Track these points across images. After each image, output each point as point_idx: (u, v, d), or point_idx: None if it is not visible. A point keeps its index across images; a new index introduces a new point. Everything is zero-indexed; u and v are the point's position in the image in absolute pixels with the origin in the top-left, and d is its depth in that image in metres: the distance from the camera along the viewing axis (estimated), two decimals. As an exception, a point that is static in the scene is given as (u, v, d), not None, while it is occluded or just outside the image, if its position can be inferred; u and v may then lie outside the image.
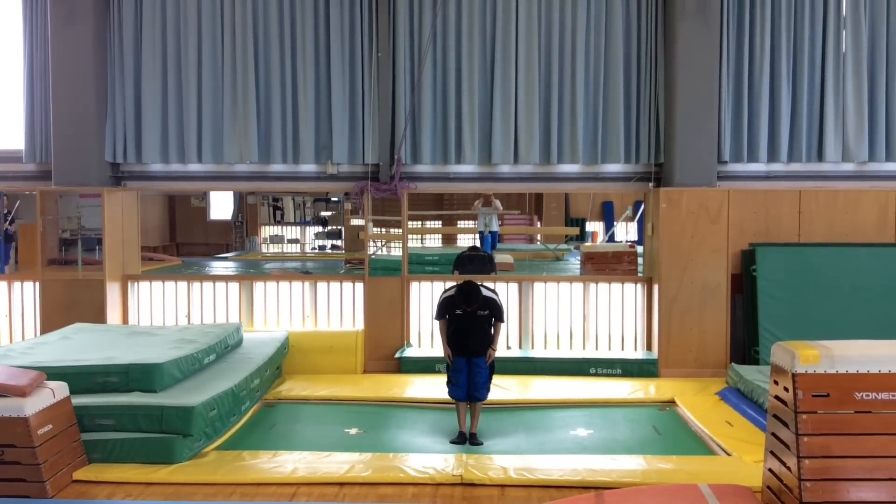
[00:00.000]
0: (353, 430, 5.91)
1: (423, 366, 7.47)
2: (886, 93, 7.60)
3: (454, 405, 5.83)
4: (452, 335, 5.77)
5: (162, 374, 5.37)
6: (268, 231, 17.84)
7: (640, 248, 8.78)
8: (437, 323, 5.94)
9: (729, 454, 5.29)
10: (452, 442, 5.64)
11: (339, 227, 16.48)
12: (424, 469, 4.86)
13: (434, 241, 16.20)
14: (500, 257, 11.16)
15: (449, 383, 5.82)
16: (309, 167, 7.97)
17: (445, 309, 5.82)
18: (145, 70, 7.84)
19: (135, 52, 7.88)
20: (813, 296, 7.21)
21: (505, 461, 5.04)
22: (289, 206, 17.92)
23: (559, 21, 7.68)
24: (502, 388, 6.82)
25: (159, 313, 8.18)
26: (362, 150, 7.82)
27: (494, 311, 5.81)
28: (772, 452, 4.05)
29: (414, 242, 15.18)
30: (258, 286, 8.23)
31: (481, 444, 5.61)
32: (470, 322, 5.71)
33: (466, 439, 5.66)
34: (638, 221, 13.96)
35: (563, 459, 5.13)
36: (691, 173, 7.48)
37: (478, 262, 9.35)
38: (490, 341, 5.78)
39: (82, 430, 4.97)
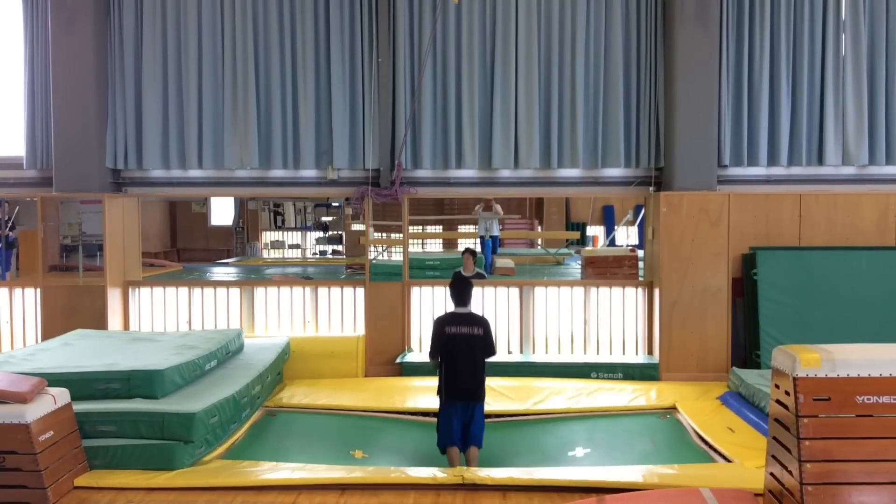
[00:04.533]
0: (359, 454, 5.76)
1: (425, 371, 7.43)
2: (886, 96, 7.61)
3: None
4: (446, 373, 5.20)
5: (163, 380, 5.37)
6: (269, 236, 17.86)
7: (640, 252, 8.78)
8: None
9: (730, 461, 5.27)
10: None
11: (339, 233, 16.51)
12: (426, 473, 4.84)
13: (435, 246, 16.22)
14: (500, 262, 11.17)
15: (439, 430, 5.25)
16: (309, 172, 7.97)
17: (437, 339, 5.23)
18: (146, 76, 7.85)
19: (135, 58, 7.90)
20: (814, 299, 7.20)
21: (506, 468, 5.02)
22: (289, 211, 17.96)
23: (559, 26, 7.70)
24: (506, 397, 6.82)
25: (160, 319, 8.17)
26: (363, 156, 7.83)
27: (488, 334, 5.28)
28: (773, 456, 4.03)
29: (415, 247, 15.20)
30: (259, 292, 8.23)
31: None
32: (464, 348, 5.21)
33: None
34: (638, 225, 13.97)
35: (564, 470, 5.11)
36: (691, 177, 7.49)
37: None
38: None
39: (83, 437, 4.96)
